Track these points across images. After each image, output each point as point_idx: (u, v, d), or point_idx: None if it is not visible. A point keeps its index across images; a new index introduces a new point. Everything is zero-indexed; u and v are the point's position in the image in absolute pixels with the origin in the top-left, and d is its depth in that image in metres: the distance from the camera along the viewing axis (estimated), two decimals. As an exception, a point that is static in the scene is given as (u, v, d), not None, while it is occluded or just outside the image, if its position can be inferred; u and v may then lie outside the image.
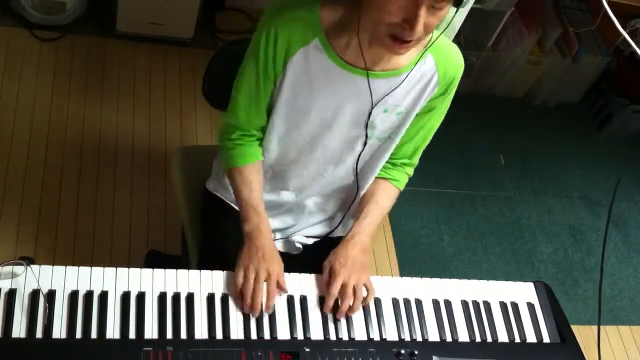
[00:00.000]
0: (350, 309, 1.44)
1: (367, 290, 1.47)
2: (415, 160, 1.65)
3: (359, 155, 1.57)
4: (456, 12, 1.30)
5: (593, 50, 3.35)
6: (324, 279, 1.47)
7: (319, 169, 1.61)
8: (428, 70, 1.45)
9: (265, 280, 1.41)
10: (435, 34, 1.41)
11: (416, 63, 1.43)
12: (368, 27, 1.34)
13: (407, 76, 1.43)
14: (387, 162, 1.63)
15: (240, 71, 1.49)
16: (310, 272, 1.51)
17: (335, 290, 1.44)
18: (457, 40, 2.51)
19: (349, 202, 1.69)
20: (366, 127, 1.50)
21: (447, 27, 1.38)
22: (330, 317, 1.44)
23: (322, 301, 1.45)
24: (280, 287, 1.43)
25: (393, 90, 1.44)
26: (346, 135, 1.52)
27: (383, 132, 1.53)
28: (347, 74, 1.41)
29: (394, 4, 1.22)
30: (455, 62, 1.49)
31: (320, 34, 1.38)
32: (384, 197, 1.63)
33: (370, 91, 1.43)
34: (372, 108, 1.46)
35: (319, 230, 1.75)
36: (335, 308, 1.44)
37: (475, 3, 2.08)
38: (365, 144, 1.53)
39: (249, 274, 1.41)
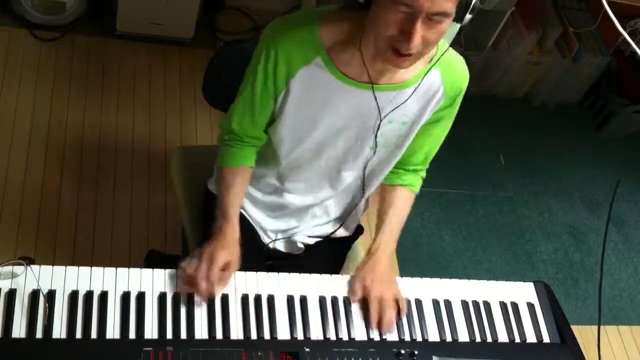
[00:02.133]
0: (389, 322, 1.46)
1: (399, 299, 1.50)
2: (427, 164, 1.68)
3: (366, 164, 1.58)
4: (461, 27, 1.31)
5: (593, 50, 3.35)
6: (356, 294, 1.48)
7: (325, 176, 1.62)
8: (434, 83, 1.46)
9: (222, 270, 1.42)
10: (442, 47, 1.42)
11: (424, 76, 1.43)
12: (370, 42, 1.35)
13: (414, 90, 1.44)
14: (400, 169, 1.65)
15: (243, 81, 1.51)
16: (311, 272, 1.51)
17: (375, 306, 1.46)
18: (457, 40, 2.52)
19: (353, 206, 1.69)
20: (376, 137, 1.51)
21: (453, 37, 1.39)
22: (330, 317, 1.44)
23: (322, 301, 1.46)
24: (223, 278, 1.43)
25: (401, 104, 1.45)
26: (352, 146, 1.53)
27: (389, 141, 1.54)
28: (352, 88, 1.42)
29: (392, 17, 1.23)
30: (461, 74, 1.50)
31: (321, 52, 1.39)
32: (401, 203, 1.65)
33: (378, 105, 1.44)
34: (380, 121, 1.47)
35: (321, 230, 1.75)
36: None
37: (475, 3, 2.08)
38: (374, 153, 1.55)
39: (203, 260, 1.41)
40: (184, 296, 1.38)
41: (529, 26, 3.18)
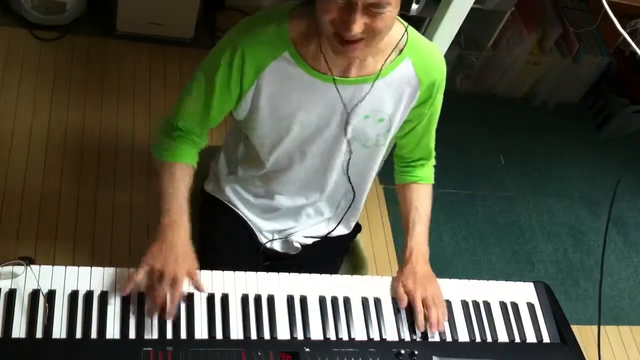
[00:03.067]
0: (439, 319, 1.47)
1: (440, 298, 1.51)
2: (433, 153, 1.67)
3: (348, 162, 1.57)
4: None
5: (593, 50, 3.35)
6: (402, 299, 1.49)
7: (312, 175, 1.61)
8: (406, 74, 1.45)
9: (171, 285, 1.33)
10: (413, 36, 1.42)
11: (380, 71, 1.42)
12: (321, 34, 1.34)
13: (372, 84, 1.42)
14: (407, 165, 1.66)
15: (193, 80, 1.48)
16: (309, 272, 1.51)
17: (419, 306, 1.47)
18: (457, 40, 2.51)
19: (347, 205, 1.69)
20: (345, 133, 1.50)
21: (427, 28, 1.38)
22: (330, 317, 1.44)
23: (322, 301, 1.46)
24: (197, 286, 1.38)
25: (365, 96, 1.44)
26: (332, 142, 1.53)
27: (369, 139, 1.53)
28: (319, 82, 1.42)
29: (331, 6, 1.24)
30: (435, 64, 1.48)
31: (289, 47, 1.39)
32: (421, 200, 1.66)
33: (341, 98, 1.43)
34: (347, 115, 1.46)
35: (318, 230, 1.75)
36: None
37: (475, 3, 2.07)
38: (350, 151, 1.54)
39: (153, 276, 1.34)
40: (184, 296, 1.38)
41: (529, 26, 3.18)
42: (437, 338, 1.48)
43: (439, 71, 1.49)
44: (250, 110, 1.48)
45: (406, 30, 1.41)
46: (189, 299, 1.38)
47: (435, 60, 1.48)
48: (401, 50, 1.42)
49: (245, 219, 1.72)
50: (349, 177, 1.61)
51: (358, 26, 1.23)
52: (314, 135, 1.51)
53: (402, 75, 1.45)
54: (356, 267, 1.87)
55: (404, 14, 1.29)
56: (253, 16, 1.44)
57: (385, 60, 1.41)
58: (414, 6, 1.27)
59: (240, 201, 1.71)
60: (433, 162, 1.69)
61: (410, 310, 1.49)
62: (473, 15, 2.14)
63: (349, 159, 1.56)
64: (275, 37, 1.39)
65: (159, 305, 1.32)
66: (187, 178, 1.50)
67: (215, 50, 1.45)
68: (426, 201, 1.67)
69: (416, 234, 1.62)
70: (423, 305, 1.48)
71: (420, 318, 1.46)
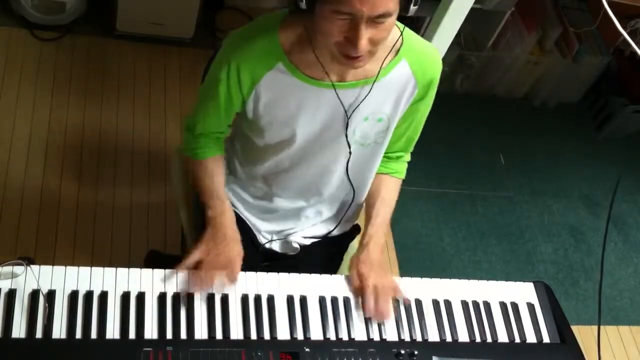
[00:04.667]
0: (386, 309, 1.47)
1: (395, 288, 1.51)
2: (411, 148, 1.68)
3: (347, 163, 1.57)
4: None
5: (593, 50, 3.35)
6: (355, 284, 1.50)
7: (312, 178, 1.62)
8: (404, 75, 1.46)
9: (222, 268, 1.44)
10: (408, 37, 1.42)
11: (378, 74, 1.43)
12: (322, 44, 1.35)
13: (373, 83, 1.43)
14: (383, 157, 1.64)
15: (203, 91, 1.53)
16: (309, 272, 1.51)
17: (370, 291, 1.48)
18: (457, 40, 2.52)
19: (347, 206, 1.69)
20: (346, 136, 1.50)
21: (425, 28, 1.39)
22: (330, 317, 1.44)
23: (322, 301, 1.46)
24: (232, 275, 1.45)
25: (363, 99, 1.44)
26: (332, 145, 1.53)
27: (368, 139, 1.53)
28: (317, 89, 1.42)
29: (334, 25, 1.24)
30: (431, 62, 1.49)
31: (282, 58, 1.39)
32: (388, 192, 1.66)
33: (341, 102, 1.44)
34: (348, 118, 1.47)
35: (318, 231, 1.75)
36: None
37: (475, 3, 2.07)
38: (350, 153, 1.54)
39: (208, 257, 1.45)
40: (184, 296, 1.38)
41: (529, 26, 3.18)
42: (437, 338, 1.48)
43: (435, 70, 1.50)
44: (253, 115, 1.50)
45: (402, 32, 1.41)
46: (189, 299, 1.38)
47: (431, 60, 1.49)
48: (397, 52, 1.43)
49: (244, 219, 1.72)
50: (349, 177, 1.61)
51: (364, 43, 1.24)
52: (315, 140, 1.52)
53: (400, 76, 1.45)
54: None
55: (402, 15, 1.29)
56: (244, 27, 1.45)
57: (383, 63, 1.41)
58: (412, 7, 1.27)
59: (239, 201, 1.71)
60: (408, 158, 1.70)
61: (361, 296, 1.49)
62: (473, 15, 2.14)
63: (349, 159, 1.56)
64: (267, 49, 1.39)
65: (210, 285, 1.40)
66: (221, 167, 1.61)
67: (214, 63, 1.47)
68: (394, 194, 1.68)
69: (378, 223, 1.61)
70: (375, 293, 1.48)
71: (370, 303, 1.46)
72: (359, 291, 1.49)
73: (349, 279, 1.52)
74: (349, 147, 1.53)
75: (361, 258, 1.54)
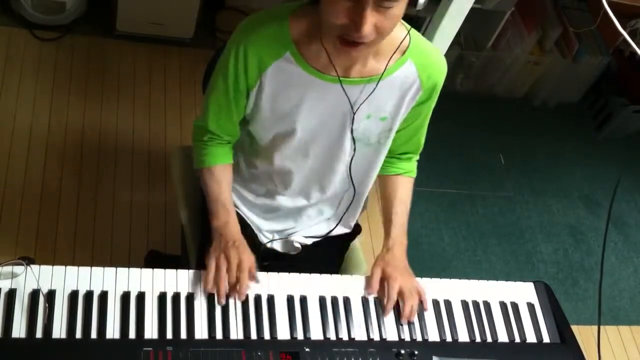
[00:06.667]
0: (412, 311, 1.48)
1: (420, 290, 1.52)
2: (420, 149, 1.69)
3: (351, 161, 1.57)
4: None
5: (593, 50, 3.35)
6: (375, 285, 1.50)
7: (314, 176, 1.62)
8: (408, 76, 1.45)
9: (238, 267, 1.44)
10: (415, 38, 1.42)
11: (391, 69, 1.42)
12: (326, 35, 1.34)
13: (377, 83, 1.43)
14: (393, 158, 1.66)
15: (211, 83, 1.51)
16: (309, 272, 1.51)
17: (394, 294, 1.48)
18: (457, 40, 2.52)
19: (347, 204, 1.69)
20: (352, 132, 1.50)
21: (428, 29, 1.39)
22: (330, 317, 1.44)
23: (322, 301, 1.46)
24: (252, 277, 1.45)
25: (369, 96, 1.44)
26: (335, 142, 1.53)
27: (370, 137, 1.53)
28: (322, 82, 1.42)
29: (340, 5, 1.23)
30: (437, 66, 1.49)
31: (290, 47, 1.39)
32: (404, 192, 1.67)
33: (348, 97, 1.44)
34: (353, 114, 1.47)
35: (318, 230, 1.75)
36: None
37: (475, 3, 2.07)
38: (354, 149, 1.54)
39: (220, 263, 1.44)
40: (184, 296, 1.38)
41: (529, 26, 3.18)
42: (437, 338, 1.48)
43: (441, 74, 1.50)
44: (253, 108, 1.49)
45: (409, 32, 1.41)
46: (189, 299, 1.38)
47: (438, 63, 1.49)
48: (404, 52, 1.43)
49: (246, 218, 1.72)
50: (351, 176, 1.61)
51: (368, 26, 1.22)
52: (317, 136, 1.51)
53: (405, 76, 1.45)
54: (354, 270, 1.87)
55: (407, 13, 1.29)
56: (256, 14, 1.44)
57: (389, 61, 1.41)
58: (421, 0, 1.26)
59: (241, 200, 1.71)
60: (418, 157, 1.71)
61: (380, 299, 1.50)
62: (473, 15, 2.14)
63: (352, 158, 1.56)
64: (276, 37, 1.39)
65: (226, 288, 1.41)
66: (228, 175, 1.60)
67: (224, 52, 1.46)
68: (409, 194, 1.68)
69: (399, 225, 1.62)
70: (399, 295, 1.49)
71: (389, 306, 1.47)
72: (381, 292, 1.50)
73: (368, 280, 1.52)
74: (353, 144, 1.53)
75: (387, 260, 1.54)
